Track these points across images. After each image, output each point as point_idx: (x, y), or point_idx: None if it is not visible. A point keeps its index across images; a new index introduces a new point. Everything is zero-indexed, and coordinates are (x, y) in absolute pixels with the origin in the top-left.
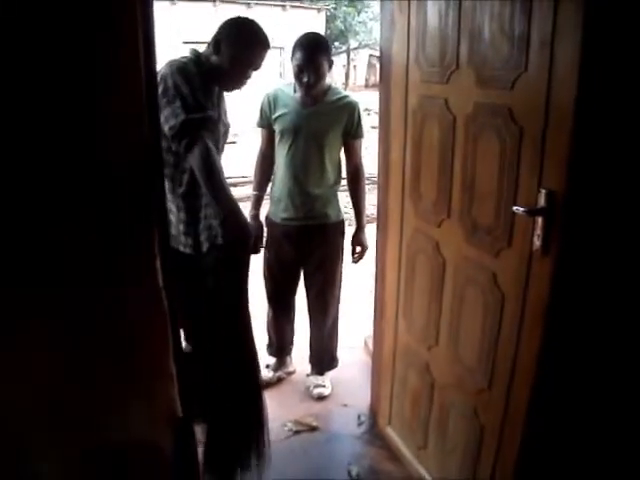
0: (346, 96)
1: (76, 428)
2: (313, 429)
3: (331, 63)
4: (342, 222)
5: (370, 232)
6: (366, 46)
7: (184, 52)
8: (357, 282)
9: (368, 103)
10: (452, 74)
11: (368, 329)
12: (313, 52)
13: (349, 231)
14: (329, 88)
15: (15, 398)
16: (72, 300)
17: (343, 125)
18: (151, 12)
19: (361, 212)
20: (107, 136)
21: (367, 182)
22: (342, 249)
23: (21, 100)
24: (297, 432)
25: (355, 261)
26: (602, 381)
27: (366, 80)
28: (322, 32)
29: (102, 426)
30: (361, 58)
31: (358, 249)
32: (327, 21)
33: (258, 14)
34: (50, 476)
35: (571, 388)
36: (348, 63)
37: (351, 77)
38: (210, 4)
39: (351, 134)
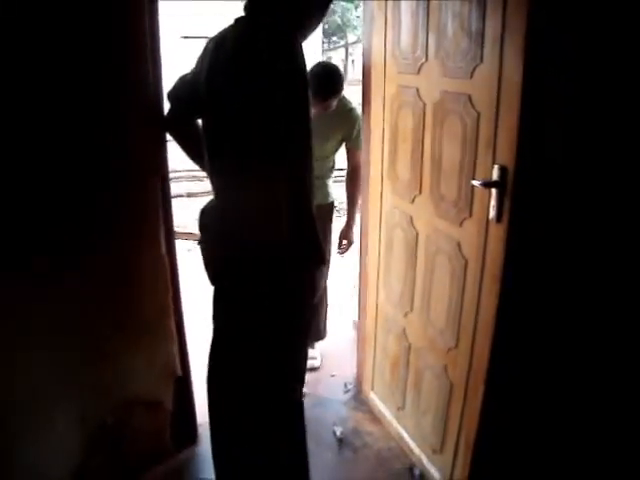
0: (351, 109)
1: (85, 376)
2: (303, 395)
3: (342, 89)
4: (330, 204)
5: None
6: None
7: (183, 47)
8: (348, 269)
9: None
10: (422, 66)
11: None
12: (326, 94)
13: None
14: (342, 97)
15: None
16: (88, 263)
17: (342, 134)
18: (156, 8)
19: (353, 209)
20: (120, 120)
21: None
22: (329, 230)
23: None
24: None
25: (341, 253)
26: (553, 332)
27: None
28: (319, 27)
29: (107, 378)
30: (359, 52)
31: (344, 242)
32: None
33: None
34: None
35: (525, 340)
36: (346, 58)
37: (349, 72)
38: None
39: (351, 142)
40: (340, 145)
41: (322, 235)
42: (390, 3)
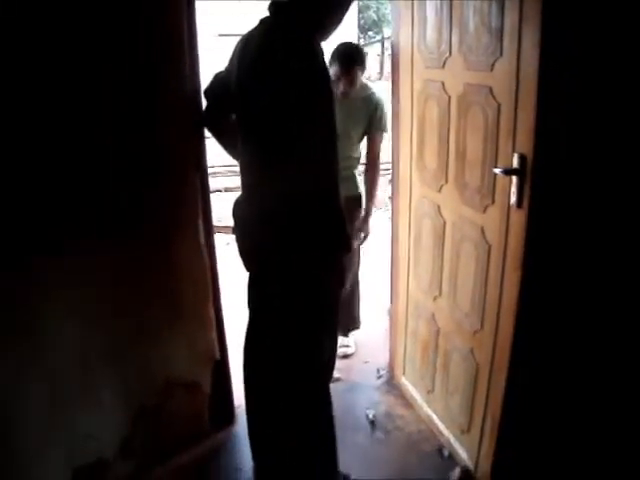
0: (373, 93)
1: (130, 358)
2: (336, 380)
3: (364, 69)
4: (358, 196)
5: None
6: None
7: (220, 44)
8: (382, 258)
9: None
10: (447, 60)
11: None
12: (349, 65)
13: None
14: (360, 84)
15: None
16: (135, 249)
17: (366, 119)
18: (193, 7)
19: (371, 199)
20: (164, 116)
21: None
22: (359, 219)
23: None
24: None
25: (358, 245)
26: (574, 313)
27: None
28: (354, 22)
29: (151, 360)
30: None
31: (362, 235)
32: (360, 11)
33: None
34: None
35: (547, 322)
36: (382, 52)
37: (385, 66)
38: None
39: (373, 127)
40: (365, 132)
41: (350, 226)
42: (416, 2)
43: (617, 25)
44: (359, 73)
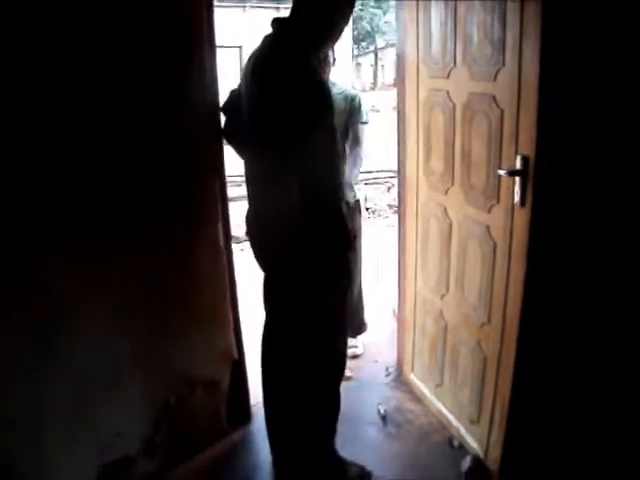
0: (347, 89)
1: (154, 357)
2: (347, 378)
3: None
4: (357, 202)
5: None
6: (393, 45)
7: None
8: (387, 260)
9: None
10: (451, 70)
11: (396, 300)
12: None
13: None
14: (333, 84)
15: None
16: (160, 251)
17: (346, 114)
18: (213, 18)
19: (353, 170)
20: (187, 125)
21: (394, 176)
22: (359, 226)
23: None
24: None
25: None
26: (577, 306)
27: (394, 79)
28: (348, 33)
29: (173, 358)
30: (388, 57)
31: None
32: (353, 22)
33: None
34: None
35: (552, 314)
36: (376, 63)
37: (379, 76)
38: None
39: (353, 119)
40: (346, 128)
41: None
42: (421, 16)
43: (610, 34)
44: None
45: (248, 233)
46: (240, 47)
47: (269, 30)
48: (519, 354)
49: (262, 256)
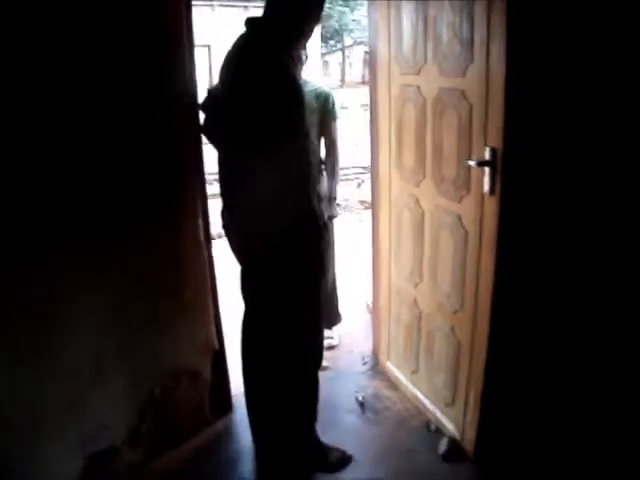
0: (320, 87)
1: (138, 348)
2: (325, 368)
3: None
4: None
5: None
6: (361, 43)
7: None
8: (358, 254)
9: (365, 99)
10: (422, 67)
11: (369, 294)
12: None
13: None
14: (305, 82)
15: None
16: (143, 245)
17: (319, 111)
18: (191, 18)
19: (333, 184)
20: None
21: (364, 172)
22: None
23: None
24: None
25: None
26: (545, 288)
27: (362, 77)
28: (317, 31)
29: (157, 350)
30: (356, 55)
31: (327, 216)
32: (322, 20)
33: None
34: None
35: (522, 298)
36: (343, 61)
37: (347, 74)
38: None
39: (326, 116)
40: (320, 125)
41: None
42: (392, 15)
43: (571, 32)
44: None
45: (224, 227)
46: (209, 46)
47: (240, 29)
48: (491, 338)
49: (238, 249)
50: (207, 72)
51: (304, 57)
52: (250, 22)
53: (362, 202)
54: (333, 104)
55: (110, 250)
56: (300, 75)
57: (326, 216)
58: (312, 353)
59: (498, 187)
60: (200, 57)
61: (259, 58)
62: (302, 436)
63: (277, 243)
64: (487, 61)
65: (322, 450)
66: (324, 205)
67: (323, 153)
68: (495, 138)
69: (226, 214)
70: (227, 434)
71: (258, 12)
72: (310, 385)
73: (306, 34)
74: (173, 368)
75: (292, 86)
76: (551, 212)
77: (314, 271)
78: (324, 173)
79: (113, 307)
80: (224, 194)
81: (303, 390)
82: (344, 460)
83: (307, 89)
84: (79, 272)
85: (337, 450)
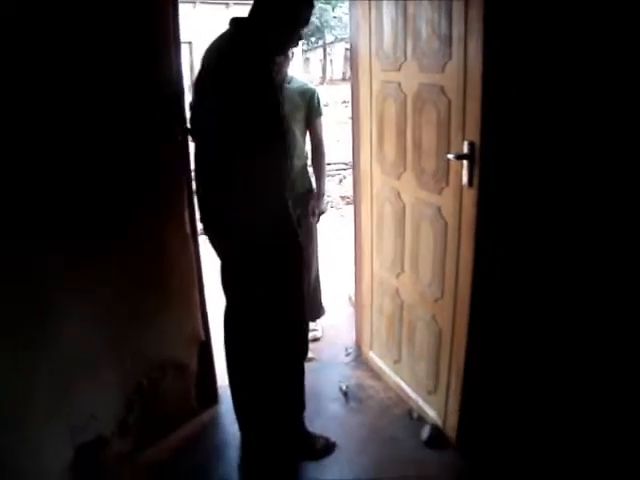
0: (305, 84)
1: (126, 341)
2: (309, 360)
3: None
4: (312, 190)
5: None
6: (342, 40)
7: None
8: (340, 249)
9: (346, 96)
10: (402, 64)
11: (351, 287)
12: None
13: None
14: (291, 78)
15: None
16: (131, 239)
17: (305, 109)
18: (178, 17)
19: (321, 181)
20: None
21: (346, 168)
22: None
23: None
24: None
25: (315, 223)
26: (522, 274)
27: (343, 74)
28: None
29: (145, 342)
30: (337, 52)
31: (316, 212)
32: None
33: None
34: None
35: (500, 285)
36: (324, 58)
37: (328, 71)
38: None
39: (312, 114)
40: (305, 122)
41: (307, 218)
42: (373, 13)
43: (546, 29)
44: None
45: (202, 220)
46: (190, 43)
47: (221, 26)
48: (471, 325)
49: (215, 244)
50: (188, 68)
51: (290, 54)
52: (235, 22)
53: (344, 197)
54: (318, 101)
55: (95, 243)
56: (287, 71)
57: (316, 212)
58: (296, 345)
59: (476, 179)
60: (182, 54)
61: (240, 60)
62: (290, 426)
63: (250, 241)
64: (465, 57)
65: (308, 438)
66: (316, 202)
67: (308, 148)
68: (473, 132)
69: (201, 208)
70: (213, 424)
71: (239, 10)
72: (296, 376)
73: (291, 40)
74: (159, 360)
75: (269, 89)
76: (527, 203)
77: (291, 265)
78: (310, 169)
79: (102, 297)
80: (198, 189)
81: (289, 382)
82: (328, 447)
83: (293, 86)
84: (67, 265)
85: (322, 438)
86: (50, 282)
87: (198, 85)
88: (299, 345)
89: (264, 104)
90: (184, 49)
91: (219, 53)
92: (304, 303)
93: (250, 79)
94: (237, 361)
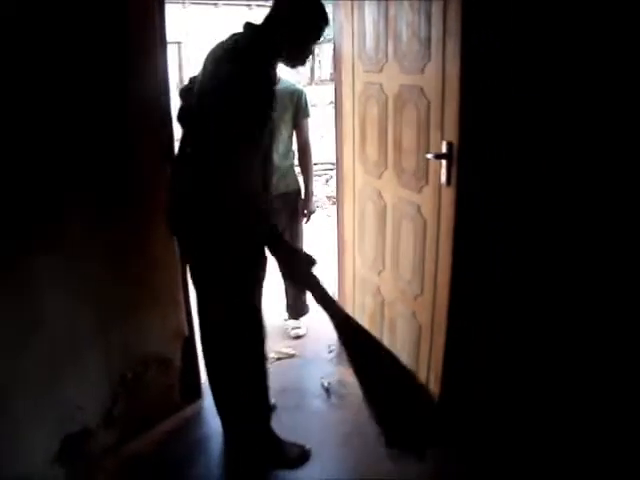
0: (293, 84)
1: (111, 334)
2: (291, 356)
3: None
4: (299, 190)
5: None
6: (330, 41)
7: None
8: (325, 249)
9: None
10: (384, 65)
11: (335, 286)
12: None
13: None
14: (279, 79)
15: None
16: (117, 235)
17: (292, 109)
18: (164, 16)
19: (309, 181)
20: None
21: (332, 168)
22: (300, 213)
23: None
24: (279, 359)
25: (305, 222)
26: (500, 270)
27: (331, 74)
28: None
29: (129, 336)
30: (325, 53)
31: (306, 212)
32: None
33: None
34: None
35: (479, 281)
36: (313, 58)
37: (316, 72)
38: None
39: (299, 114)
40: (292, 122)
41: (294, 222)
42: (356, 15)
43: (522, 32)
44: None
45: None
46: (179, 43)
47: (211, 26)
48: (450, 320)
49: (184, 237)
50: (177, 69)
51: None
52: (248, 26)
53: (330, 197)
54: (306, 102)
55: (79, 239)
56: (276, 73)
57: (306, 212)
58: (248, 338)
59: (454, 179)
60: (170, 54)
61: (244, 60)
62: (254, 428)
63: (221, 236)
64: (443, 59)
65: (280, 447)
66: (305, 202)
67: (295, 148)
68: (451, 133)
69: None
70: (196, 419)
71: (229, 10)
72: (253, 375)
73: (302, 53)
74: (143, 354)
75: (265, 93)
76: (503, 201)
77: (254, 266)
78: (297, 169)
79: (88, 291)
80: (179, 177)
81: (248, 380)
82: (303, 456)
83: (281, 86)
84: (51, 261)
85: (296, 446)
86: (35, 280)
87: (199, 78)
88: (251, 339)
89: (256, 107)
90: (173, 49)
91: (223, 53)
92: (258, 301)
93: (250, 79)
94: (208, 359)
